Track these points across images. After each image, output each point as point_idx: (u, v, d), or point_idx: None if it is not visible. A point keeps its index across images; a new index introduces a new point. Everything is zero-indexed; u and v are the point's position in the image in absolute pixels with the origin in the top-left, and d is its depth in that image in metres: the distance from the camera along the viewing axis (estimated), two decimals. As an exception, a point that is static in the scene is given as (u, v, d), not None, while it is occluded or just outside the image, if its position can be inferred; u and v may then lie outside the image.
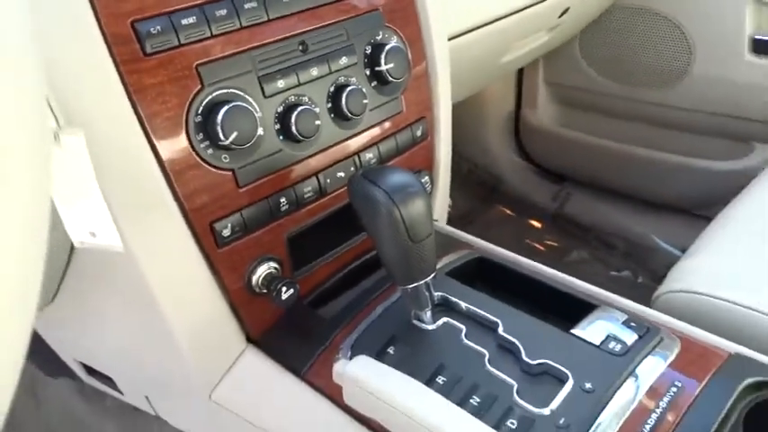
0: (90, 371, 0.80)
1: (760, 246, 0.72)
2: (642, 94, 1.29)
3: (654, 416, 0.47)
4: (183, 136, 0.50)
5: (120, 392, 0.75)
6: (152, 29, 0.48)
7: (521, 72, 1.49)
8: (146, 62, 0.48)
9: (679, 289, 0.67)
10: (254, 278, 0.56)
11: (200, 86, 0.50)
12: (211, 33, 0.51)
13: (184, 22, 0.50)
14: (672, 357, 0.52)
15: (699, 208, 1.03)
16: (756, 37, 1.12)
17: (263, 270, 0.57)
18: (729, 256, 0.71)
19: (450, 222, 0.78)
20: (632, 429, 0.46)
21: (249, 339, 0.60)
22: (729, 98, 1.17)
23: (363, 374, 0.46)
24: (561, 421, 0.46)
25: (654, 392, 0.48)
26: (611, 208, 1.42)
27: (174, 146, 0.50)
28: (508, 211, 1.57)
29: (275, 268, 0.58)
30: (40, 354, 0.81)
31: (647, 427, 0.46)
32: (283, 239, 0.58)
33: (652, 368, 0.51)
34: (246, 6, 0.53)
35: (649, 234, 1.35)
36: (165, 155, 0.49)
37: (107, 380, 0.76)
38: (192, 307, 0.55)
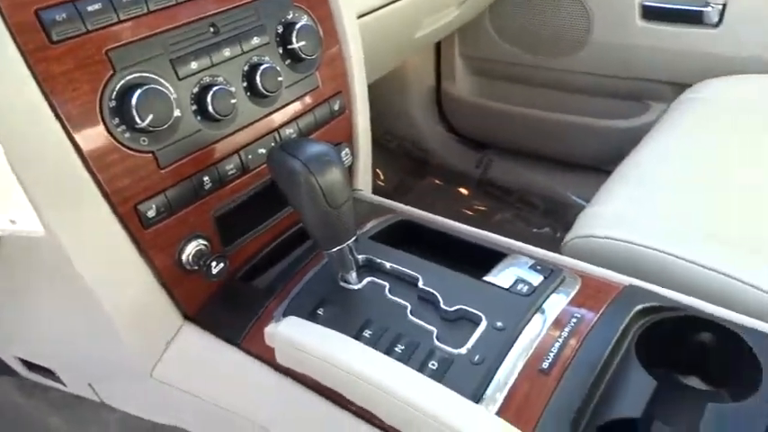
0: (30, 366, 0.79)
1: (651, 192, 0.80)
2: (550, 62, 1.37)
3: (557, 344, 0.52)
4: (99, 121, 0.51)
5: (63, 384, 0.75)
6: (57, 17, 0.48)
7: (438, 47, 1.54)
8: (53, 50, 0.48)
9: (582, 235, 0.74)
10: (184, 256, 0.58)
11: (111, 72, 0.51)
12: (119, 18, 0.52)
13: (90, 8, 0.50)
14: (573, 293, 0.58)
15: (606, 164, 1.11)
16: (645, 4, 1.21)
17: (192, 248, 0.59)
18: (625, 203, 0.79)
19: (382, 196, 0.81)
20: (539, 358, 0.51)
21: (186, 317, 0.62)
22: (625, 62, 1.26)
23: (293, 333, 0.49)
24: (476, 358, 0.51)
25: (557, 324, 0.54)
26: (530, 170, 1.50)
27: (91, 132, 0.51)
28: (437, 181, 1.63)
29: (204, 245, 0.60)
30: None
31: (552, 354, 0.52)
32: (210, 217, 0.60)
33: (555, 304, 0.57)
34: (154, -10, 0.54)
35: (565, 191, 1.44)
36: (81, 141, 0.50)
37: (48, 373, 0.76)
38: (124, 289, 0.56)
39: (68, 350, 0.69)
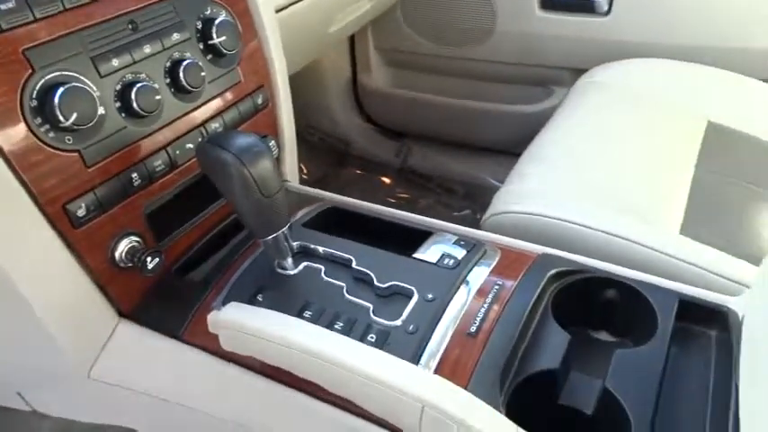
0: None
1: (557, 169, 0.87)
2: (460, 52, 1.43)
3: (482, 310, 0.57)
4: (21, 121, 0.50)
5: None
6: (-33, 16, 0.47)
7: (353, 40, 1.57)
8: (-34, 50, 0.47)
9: (498, 212, 0.80)
10: (117, 254, 0.58)
11: (30, 71, 0.51)
12: (34, 17, 0.51)
13: (3, 7, 0.49)
14: (493, 264, 0.63)
15: (516, 147, 1.19)
16: (544, -6, 1.30)
17: (124, 245, 0.59)
18: (535, 180, 0.86)
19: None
20: (467, 323, 0.56)
21: (121, 314, 0.62)
22: (528, 49, 1.35)
23: (236, 316, 0.51)
24: (411, 328, 0.55)
25: (481, 293, 0.59)
26: (447, 156, 1.57)
27: (12, 132, 0.50)
28: (359, 172, 1.67)
29: (137, 242, 0.60)
30: None
31: (478, 319, 0.56)
32: (141, 213, 0.60)
33: (478, 275, 0.61)
34: (66, -12, 0.54)
35: (482, 175, 1.51)
36: (3, 142, 0.49)
37: None
38: (55, 290, 0.56)
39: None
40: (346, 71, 1.61)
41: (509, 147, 1.48)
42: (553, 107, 1.16)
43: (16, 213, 0.51)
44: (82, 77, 0.54)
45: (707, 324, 0.59)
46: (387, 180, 1.64)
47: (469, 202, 1.49)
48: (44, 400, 0.70)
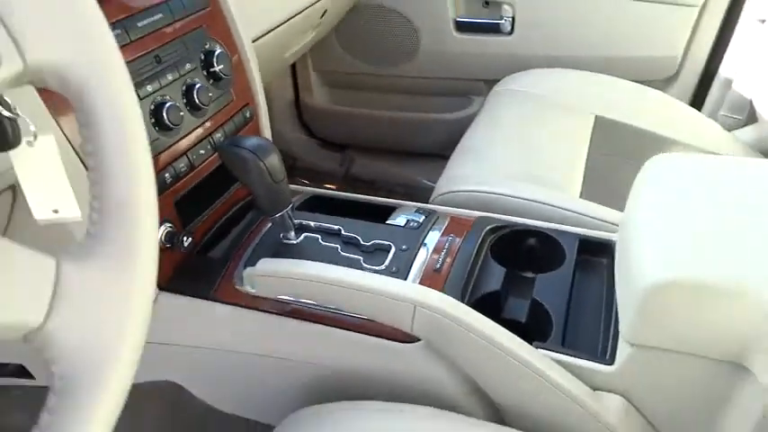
0: None
1: (483, 157, 1.10)
2: (389, 70, 1.66)
3: (440, 258, 0.78)
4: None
5: (32, 377, 0.85)
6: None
7: (293, 64, 1.76)
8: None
9: (443, 192, 1.01)
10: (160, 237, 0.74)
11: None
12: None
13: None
14: (444, 226, 0.84)
15: (445, 150, 1.40)
16: (458, 19, 1.54)
17: (162, 230, 0.75)
18: (468, 167, 1.08)
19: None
20: (432, 264, 0.76)
21: (159, 288, 0.77)
22: (448, 66, 1.59)
23: (271, 266, 0.69)
24: (393, 269, 0.75)
25: (438, 247, 0.80)
26: (386, 163, 1.78)
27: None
28: (307, 182, 1.85)
29: (170, 227, 0.76)
30: None
31: (438, 264, 0.77)
32: (172, 204, 0.77)
33: (435, 235, 0.82)
34: (114, 33, 0.70)
35: (418, 177, 1.74)
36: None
37: (15, 369, 0.85)
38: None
39: None
40: (289, 93, 1.80)
41: (439, 150, 1.71)
42: (474, 113, 1.40)
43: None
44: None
45: (599, 254, 0.82)
46: (333, 188, 1.83)
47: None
48: None
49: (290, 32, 1.18)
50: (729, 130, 1.31)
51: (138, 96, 0.72)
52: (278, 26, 1.10)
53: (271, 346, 0.74)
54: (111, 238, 0.37)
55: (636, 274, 0.60)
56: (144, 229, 0.38)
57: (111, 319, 0.37)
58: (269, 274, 0.68)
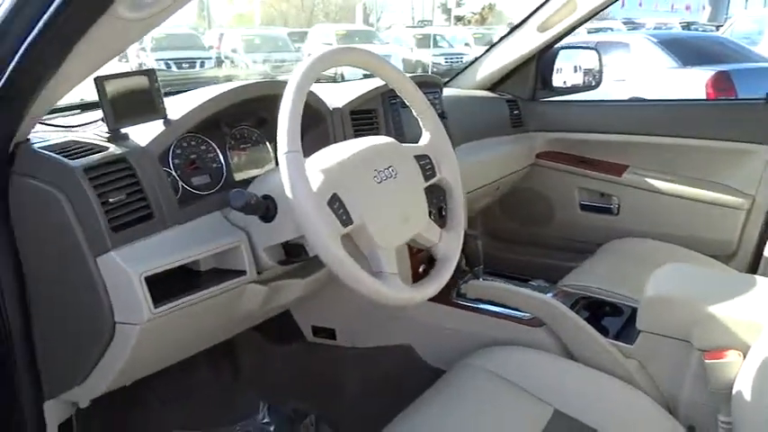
0: (315, 331, 1.72)
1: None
2: (531, 229, 2.52)
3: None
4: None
5: (335, 339, 1.69)
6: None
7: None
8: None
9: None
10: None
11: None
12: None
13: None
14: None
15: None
16: (582, 203, 2.40)
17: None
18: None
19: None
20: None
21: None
22: (573, 232, 2.43)
23: (489, 284, 1.51)
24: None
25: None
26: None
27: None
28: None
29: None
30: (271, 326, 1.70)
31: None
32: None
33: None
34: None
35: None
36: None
37: (330, 332, 1.70)
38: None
39: (348, 315, 1.65)
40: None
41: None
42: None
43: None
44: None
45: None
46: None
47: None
48: (353, 336, 1.66)
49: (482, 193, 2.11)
50: None
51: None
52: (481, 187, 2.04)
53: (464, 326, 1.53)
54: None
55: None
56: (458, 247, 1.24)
57: (454, 251, 1.22)
58: (481, 286, 1.51)
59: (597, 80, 2.53)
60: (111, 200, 0.99)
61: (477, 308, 1.54)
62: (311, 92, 1.12)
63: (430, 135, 1.25)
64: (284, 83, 1.03)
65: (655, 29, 15.05)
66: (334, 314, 1.69)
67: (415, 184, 1.18)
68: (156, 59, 12.69)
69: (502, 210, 2.58)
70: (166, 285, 1.06)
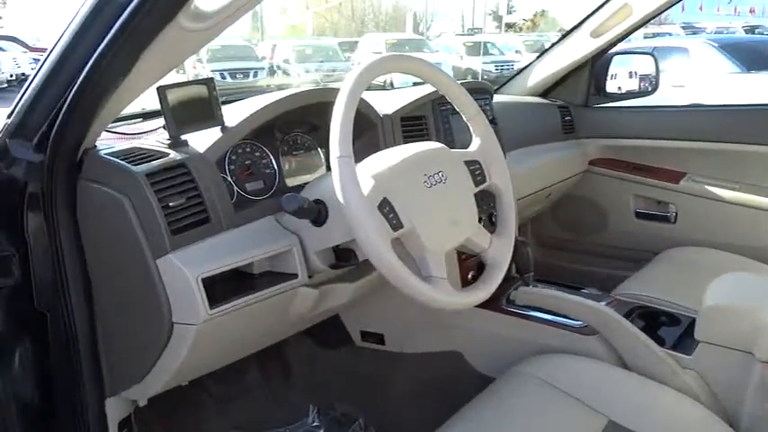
0: (363, 336, 1.74)
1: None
2: (582, 238, 2.46)
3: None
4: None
5: (384, 344, 1.69)
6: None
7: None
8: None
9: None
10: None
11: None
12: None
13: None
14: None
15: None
16: (637, 210, 2.33)
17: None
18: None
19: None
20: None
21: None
22: (628, 240, 2.36)
23: (539, 290, 1.49)
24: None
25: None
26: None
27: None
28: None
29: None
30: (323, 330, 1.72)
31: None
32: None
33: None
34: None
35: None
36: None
37: (379, 337, 1.71)
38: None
39: (397, 320, 1.66)
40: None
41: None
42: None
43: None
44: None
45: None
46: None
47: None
48: (402, 343, 1.67)
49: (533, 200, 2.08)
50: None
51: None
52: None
53: (516, 333, 1.51)
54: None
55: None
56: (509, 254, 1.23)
57: (504, 257, 1.21)
58: (532, 293, 1.49)
59: (654, 86, 2.46)
60: (171, 204, 1.03)
61: (528, 315, 1.52)
62: (362, 99, 1.14)
63: (480, 140, 1.24)
64: (336, 90, 1.05)
65: (716, 33, 14.52)
66: (382, 319, 1.70)
67: (464, 189, 1.18)
68: (212, 70, 13.10)
69: (553, 217, 2.53)
70: (222, 287, 1.09)
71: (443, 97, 1.25)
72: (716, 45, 7.20)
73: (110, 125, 1.20)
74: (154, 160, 1.06)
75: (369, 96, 1.47)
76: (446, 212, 1.12)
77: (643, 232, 2.33)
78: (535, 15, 29.29)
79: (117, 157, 1.06)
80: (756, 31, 17.02)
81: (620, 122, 2.37)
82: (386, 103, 1.51)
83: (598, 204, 2.41)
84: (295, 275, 1.18)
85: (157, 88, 1.07)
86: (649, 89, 2.48)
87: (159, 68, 0.98)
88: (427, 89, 1.58)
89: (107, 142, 1.16)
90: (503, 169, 1.25)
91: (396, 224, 1.02)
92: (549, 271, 2.33)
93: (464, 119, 1.24)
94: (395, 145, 1.40)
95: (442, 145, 1.21)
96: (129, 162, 1.05)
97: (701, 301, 1.29)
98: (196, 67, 13.80)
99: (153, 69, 0.96)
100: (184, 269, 1.02)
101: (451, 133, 1.62)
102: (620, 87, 2.51)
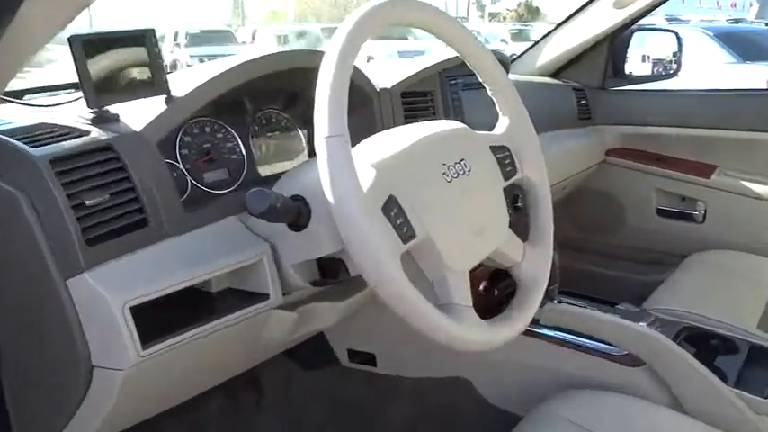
0: (350, 355, 1.45)
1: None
2: (595, 238, 2.19)
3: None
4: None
5: (376, 365, 1.41)
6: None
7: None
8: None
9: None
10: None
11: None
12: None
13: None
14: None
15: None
16: (659, 207, 2.07)
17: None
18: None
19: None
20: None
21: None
22: (647, 240, 2.10)
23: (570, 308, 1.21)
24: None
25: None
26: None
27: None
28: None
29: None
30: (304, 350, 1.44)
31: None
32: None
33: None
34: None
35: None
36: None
37: (369, 357, 1.42)
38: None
39: (391, 338, 1.37)
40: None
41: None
42: (664, 279, 1.85)
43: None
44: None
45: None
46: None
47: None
48: (400, 364, 1.38)
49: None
50: None
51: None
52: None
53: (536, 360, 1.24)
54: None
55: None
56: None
57: (542, 272, 0.93)
58: (561, 311, 1.21)
59: (677, 67, 2.20)
60: (87, 202, 0.73)
61: (555, 337, 1.24)
62: (355, 67, 0.85)
63: (509, 120, 0.96)
64: (321, 53, 0.77)
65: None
66: (374, 336, 1.42)
67: (492, 183, 0.90)
68: (191, 55, 12.73)
69: (565, 213, 2.26)
70: (164, 314, 0.80)
71: (453, 69, 0.95)
72: (711, 34, 7.01)
73: (23, 97, 0.89)
74: (65, 140, 0.76)
75: (362, 66, 1.17)
76: (471, 215, 0.84)
77: (665, 232, 2.07)
78: (519, 5, 29.02)
79: (11, 136, 0.75)
80: (740, 24, 17.00)
81: (640, 108, 2.10)
82: (384, 75, 1.21)
83: (615, 200, 2.14)
84: (266, 296, 0.89)
85: (68, 38, 0.76)
86: (670, 71, 2.22)
87: (62, 5, 0.67)
88: (433, 59, 1.28)
89: (9, 117, 0.85)
90: (537, 158, 0.97)
91: (406, 232, 0.73)
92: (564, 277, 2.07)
93: (489, 92, 0.95)
94: (394, 126, 1.11)
95: (464, 125, 0.92)
96: (28, 143, 0.74)
97: (753, 317, 1.03)
98: (174, 51, 13.39)
99: (52, 7, 0.65)
100: (105, 294, 0.72)
101: (462, 113, 1.33)
102: (630, 72, 2.24)
